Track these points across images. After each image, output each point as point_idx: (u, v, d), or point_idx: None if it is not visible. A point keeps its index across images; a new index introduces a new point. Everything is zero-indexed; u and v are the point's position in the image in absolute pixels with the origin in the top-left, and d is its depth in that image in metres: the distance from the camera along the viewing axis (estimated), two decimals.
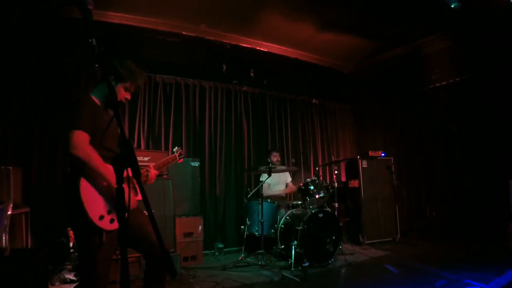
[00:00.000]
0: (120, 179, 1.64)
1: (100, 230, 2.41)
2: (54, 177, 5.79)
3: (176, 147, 3.46)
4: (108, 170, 2.43)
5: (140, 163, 3.18)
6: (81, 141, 2.40)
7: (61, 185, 5.70)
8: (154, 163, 3.13)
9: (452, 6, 5.83)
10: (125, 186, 1.67)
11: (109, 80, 1.78)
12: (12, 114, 5.60)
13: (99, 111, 2.63)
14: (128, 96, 2.87)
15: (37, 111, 5.79)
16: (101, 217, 2.42)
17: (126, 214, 1.66)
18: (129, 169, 1.65)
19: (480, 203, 6.74)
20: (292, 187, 7.16)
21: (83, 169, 2.42)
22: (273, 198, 6.55)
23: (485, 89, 6.79)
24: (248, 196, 6.44)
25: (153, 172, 3.01)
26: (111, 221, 2.48)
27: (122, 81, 2.76)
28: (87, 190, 2.40)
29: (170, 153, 6.43)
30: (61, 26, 5.74)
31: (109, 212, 2.48)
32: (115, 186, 2.37)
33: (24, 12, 5.44)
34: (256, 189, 6.52)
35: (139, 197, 2.62)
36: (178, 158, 3.38)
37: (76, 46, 5.85)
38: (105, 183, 2.49)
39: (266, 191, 6.61)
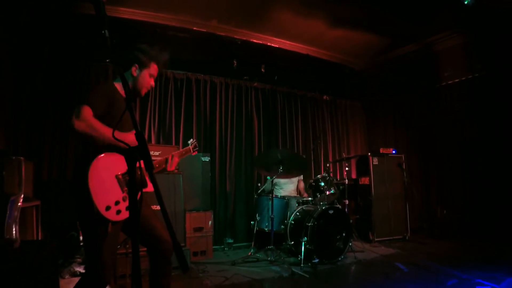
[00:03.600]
0: (132, 172, 1.63)
1: (106, 221, 2.39)
2: (65, 172, 5.85)
3: (191, 139, 3.44)
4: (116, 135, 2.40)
5: None
6: (83, 114, 2.36)
7: (71, 178, 5.76)
8: (176, 152, 3.16)
9: (466, 2, 5.76)
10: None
11: (122, 72, 1.78)
12: (24, 110, 5.65)
13: (119, 99, 2.64)
14: (153, 83, 2.91)
15: (48, 107, 5.84)
16: (108, 208, 2.39)
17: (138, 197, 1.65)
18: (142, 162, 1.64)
19: (492, 201, 6.67)
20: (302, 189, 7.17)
21: (95, 157, 2.39)
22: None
23: (498, 87, 6.70)
24: (258, 191, 6.43)
25: (176, 160, 3.04)
26: (118, 212, 2.45)
27: (146, 67, 2.81)
28: (95, 180, 2.37)
29: (181, 147, 6.48)
30: (72, 21, 5.78)
31: (116, 203, 2.45)
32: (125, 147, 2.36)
33: (36, 7, 5.46)
34: (265, 185, 6.53)
35: (149, 188, 2.62)
36: (192, 151, 3.37)
37: (87, 42, 5.90)
38: (114, 174, 2.47)
39: (276, 191, 6.63)
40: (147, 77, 2.84)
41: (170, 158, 3.01)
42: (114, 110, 2.56)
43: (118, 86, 2.72)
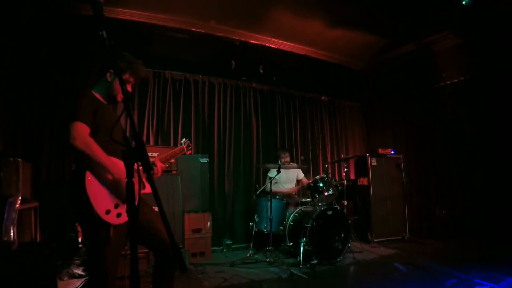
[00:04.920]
0: (130, 173, 1.62)
1: (107, 225, 2.40)
2: (63, 174, 5.84)
3: (184, 139, 3.44)
4: (109, 161, 2.43)
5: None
6: (80, 132, 2.39)
7: (69, 183, 5.75)
8: (160, 156, 3.10)
9: (463, 2, 5.76)
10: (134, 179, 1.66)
11: (119, 73, 1.77)
12: (23, 111, 5.64)
13: (101, 106, 2.63)
14: (129, 88, 2.85)
15: (47, 108, 5.83)
16: (108, 211, 2.41)
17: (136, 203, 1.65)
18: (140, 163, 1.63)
19: (491, 202, 6.67)
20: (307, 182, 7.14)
21: (88, 164, 2.41)
22: (282, 195, 6.52)
23: (497, 87, 6.70)
24: (257, 192, 6.43)
25: (159, 165, 2.99)
26: (118, 215, 2.47)
27: (121, 73, 2.73)
28: (92, 185, 2.40)
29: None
30: (71, 23, 5.76)
31: (115, 206, 2.47)
32: (116, 176, 2.38)
33: (35, 8, 5.46)
34: (264, 186, 6.52)
35: (147, 189, 2.62)
36: (186, 150, 3.37)
37: (85, 43, 5.89)
38: (111, 177, 2.48)
39: (274, 188, 6.59)
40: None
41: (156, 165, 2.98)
42: (99, 117, 2.56)
43: (96, 93, 2.71)
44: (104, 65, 2.42)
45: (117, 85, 2.74)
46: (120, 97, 2.81)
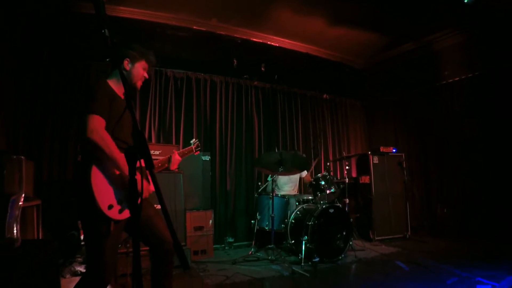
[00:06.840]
0: (133, 170, 1.63)
1: (108, 220, 2.39)
2: (65, 172, 5.85)
3: (194, 139, 3.48)
4: (122, 158, 2.40)
5: None
6: (98, 125, 2.38)
7: (72, 178, 5.75)
8: (179, 151, 3.21)
9: (465, 1, 5.76)
10: (137, 176, 1.66)
11: (121, 68, 1.76)
12: (24, 110, 5.65)
13: (115, 98, 2.62)
14: (146, 75, 2.88)
15: (48, 107, 5.83)
16: (110, 207, 2.39)
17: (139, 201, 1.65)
18: (142, 160, 1.64)
19: (493, 200, 6.67)
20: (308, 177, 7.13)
21: (95, 157, 2.40)
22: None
23: (499, 85, 6.68)
24: (259, 190, 6.43)
25: (177, 157, 3.07)
26: (120, 211, 2.45)
27: (138, 60, 2.79)
28: (98, 178, 2.38)
29: (181, 146, 6.49)
30: (72, 21, 5.78)
31: (119, 202, 2.46)
32: (127, 174, 2.38)
33: (35, 7, 5.46)
34: (265, 184, 6.52)
35: (152, 187, 2.62)
36: (194, 151, 3.41)
37: (87, 41, 5.89)
38: (117, 172, 2.48)
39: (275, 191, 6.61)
40: (140, 69, 2.81)
41: (172, 156, 3.03)
42: (112, 109, 2.54)
43: (112, 83, 2.67)
44: (116, 56, 2.43)
45: (136, 71, 2.79)
46: (139, 84, 2.87)
